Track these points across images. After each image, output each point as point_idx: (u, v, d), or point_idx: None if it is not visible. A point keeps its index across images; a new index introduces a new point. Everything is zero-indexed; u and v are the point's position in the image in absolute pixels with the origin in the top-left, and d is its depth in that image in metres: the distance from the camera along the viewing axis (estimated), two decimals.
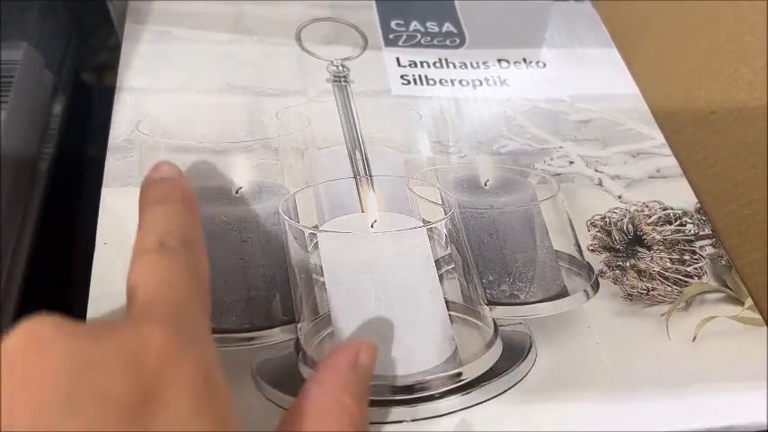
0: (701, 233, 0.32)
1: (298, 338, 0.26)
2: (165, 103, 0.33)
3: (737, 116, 0.38)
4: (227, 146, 0.31)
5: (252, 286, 0.27)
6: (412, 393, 0.25)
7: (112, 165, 0.30)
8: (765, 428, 0.27)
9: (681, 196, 0.33)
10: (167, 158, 0.30)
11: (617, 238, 0.31)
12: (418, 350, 0.26)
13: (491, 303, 0.28)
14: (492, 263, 0.29)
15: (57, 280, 0.33)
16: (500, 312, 0.28)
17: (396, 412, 0.24)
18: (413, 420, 0.24)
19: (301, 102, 0.34)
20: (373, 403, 0.24)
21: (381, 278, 0.27)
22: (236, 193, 0.29)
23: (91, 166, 0.32)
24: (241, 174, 0.30)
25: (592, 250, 0.30)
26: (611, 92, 0.38)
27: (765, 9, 0.35)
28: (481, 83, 0.37)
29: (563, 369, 0.26)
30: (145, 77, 0.34)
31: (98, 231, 0.28)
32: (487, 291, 0.28)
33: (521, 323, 0.27)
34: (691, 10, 0.39)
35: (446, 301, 0.27)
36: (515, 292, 0.28)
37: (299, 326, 0.26)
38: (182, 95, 0.33)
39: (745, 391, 0.27)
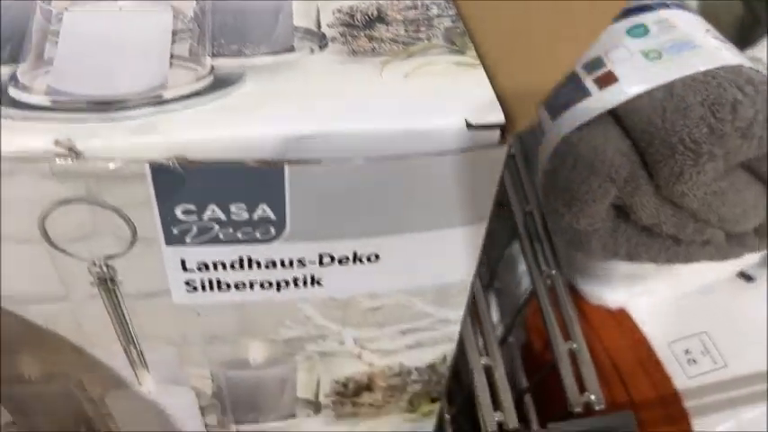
0: (443, 14, 0.33)
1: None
2: None
3: None
4: None
5: None
6: (108, 109, 0.27)
7: None
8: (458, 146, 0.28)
9: None
10: None
11: (359, 18, 0.33)
12: (127, 76, 0.28)
13: (216, 56, 0.30)
14: (230, 36, 0.31)
15: None
16: (223, 63, 0.30)
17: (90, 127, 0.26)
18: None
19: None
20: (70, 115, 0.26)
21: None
22: None
23: None
24: None
25: (329, 26, 0.32)
26: None
27: None
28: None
29: (270, 96, 0.28)
30: None
31: None
32: (217, 52, 0.30)
33: (240, 69, 0.29)
34: None
35: (172, 55, 0.29)
36: (243, 50, 0.30)
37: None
38: None
39: (449, 116, 0.28)
